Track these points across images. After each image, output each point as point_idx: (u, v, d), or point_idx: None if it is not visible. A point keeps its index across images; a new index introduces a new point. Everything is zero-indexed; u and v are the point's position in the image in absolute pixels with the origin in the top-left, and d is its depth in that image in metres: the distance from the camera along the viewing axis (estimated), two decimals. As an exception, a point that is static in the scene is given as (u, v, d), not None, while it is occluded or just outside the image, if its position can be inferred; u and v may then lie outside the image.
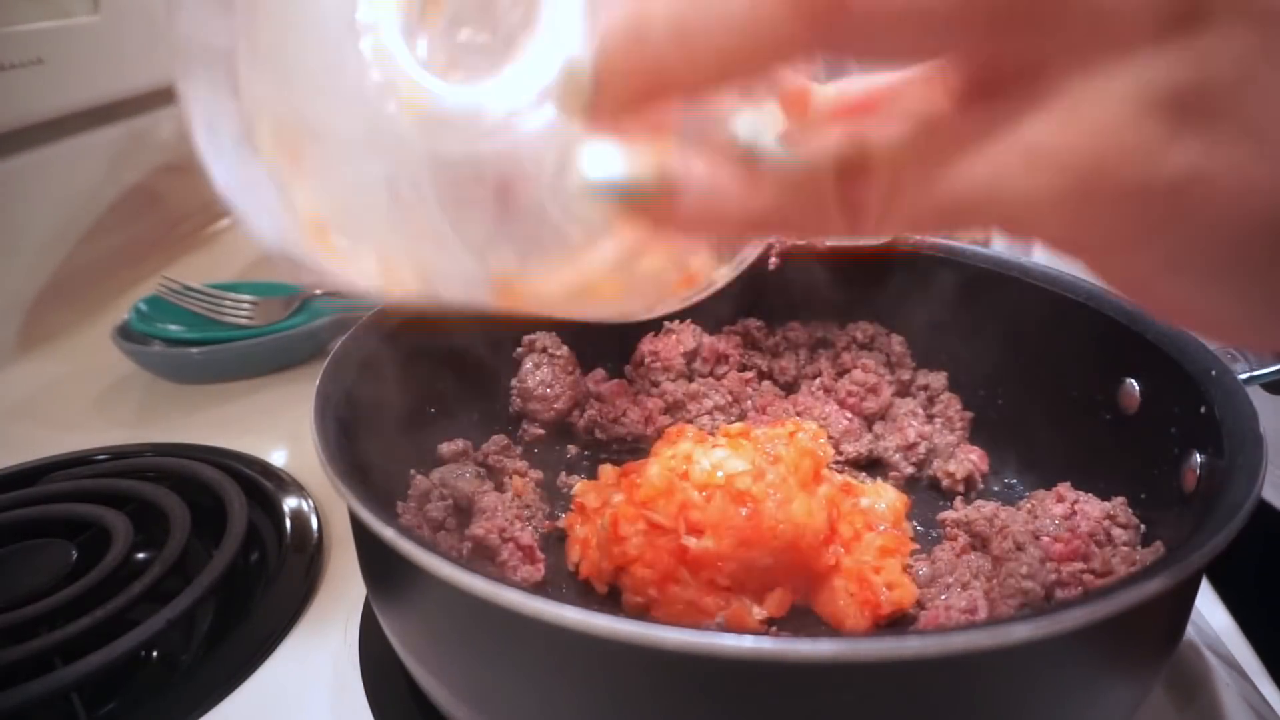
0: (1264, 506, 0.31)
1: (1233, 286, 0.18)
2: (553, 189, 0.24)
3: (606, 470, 0.48)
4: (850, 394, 0.53)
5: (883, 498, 0.46)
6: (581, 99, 0.19)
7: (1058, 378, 0.48)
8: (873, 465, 0.52)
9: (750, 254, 0.30)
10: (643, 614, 0.40)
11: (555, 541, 0.46)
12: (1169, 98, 0.16)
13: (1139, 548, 0.40)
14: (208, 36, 0.24)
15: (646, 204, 0.20)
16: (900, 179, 0.19)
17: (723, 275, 0.30)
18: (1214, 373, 0.38)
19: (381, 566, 0.35)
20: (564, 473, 0.51)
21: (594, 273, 0.24)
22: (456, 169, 0.25)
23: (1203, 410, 0.37)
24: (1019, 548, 0.39)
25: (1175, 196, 0.16)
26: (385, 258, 0.25)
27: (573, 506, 0.46)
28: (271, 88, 0.25)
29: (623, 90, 0.19)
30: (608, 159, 0.20)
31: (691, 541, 0.40)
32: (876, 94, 0.20)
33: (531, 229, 0.25)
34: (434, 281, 0.25)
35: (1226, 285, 0.18)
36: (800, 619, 0.41)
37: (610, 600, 0.42)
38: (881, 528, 0.44)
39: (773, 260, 0.53)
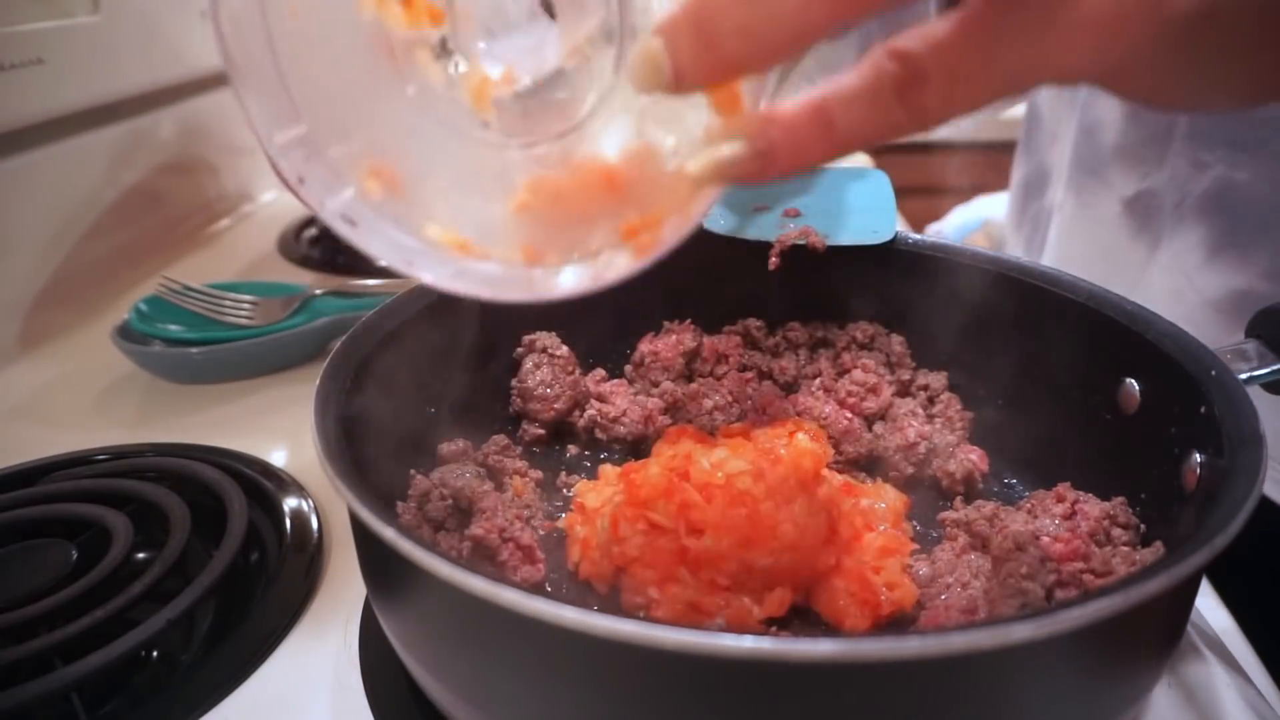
0: (1265, 503, 0.31)
1: (1231, 74, 0.23)
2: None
3: (606, 470, 0.48)
4: (850, 394, 0.53)
5: (883, 498, 0.46)
6: (659, 82, 0.22)
7: (1058, 378, 0.48)
8: (873, 465, 0.52)
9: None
10: (643, 614, 0.40)
11: (555, 541, 0.46)
12: None
13: (1139, 548, 0.40)
14: (285, 129, 0.27)
15: (748, 173, 0.24)
16: (954, 75, 0.22)
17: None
18: (1214, 373, 0.38)
19: (381, 566, 0.35)
20: (564, 473, 0.51)
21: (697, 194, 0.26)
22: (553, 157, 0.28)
23: (1203, 410, 0.37)
24: (1019, 548, 0.39)
25: (1190, 21, 0.21)
26: (527, 247, 0.28)
27: (573, 506, 0.46)
28: (356, 144, 0.28)
29: (696, 76, 0.23)
30: (704, 153, 0.24)
31: (692, 542, 0.40)
32: None
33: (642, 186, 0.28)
34: (574, 251, 0.28)
35: (1225, 76, 0.23)
36: (800, 619, 0.41)
37: (610, 600, 0.42)
38: (881, 528, 0.44)
39: (773, 260, 0.53)
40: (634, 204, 0.27)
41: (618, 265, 0.27)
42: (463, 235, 0.28)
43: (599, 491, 0.45)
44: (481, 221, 0.29)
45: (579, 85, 0.28)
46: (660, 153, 0.27)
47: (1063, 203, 0.75)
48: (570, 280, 0.28)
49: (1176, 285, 0.64)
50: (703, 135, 0.25)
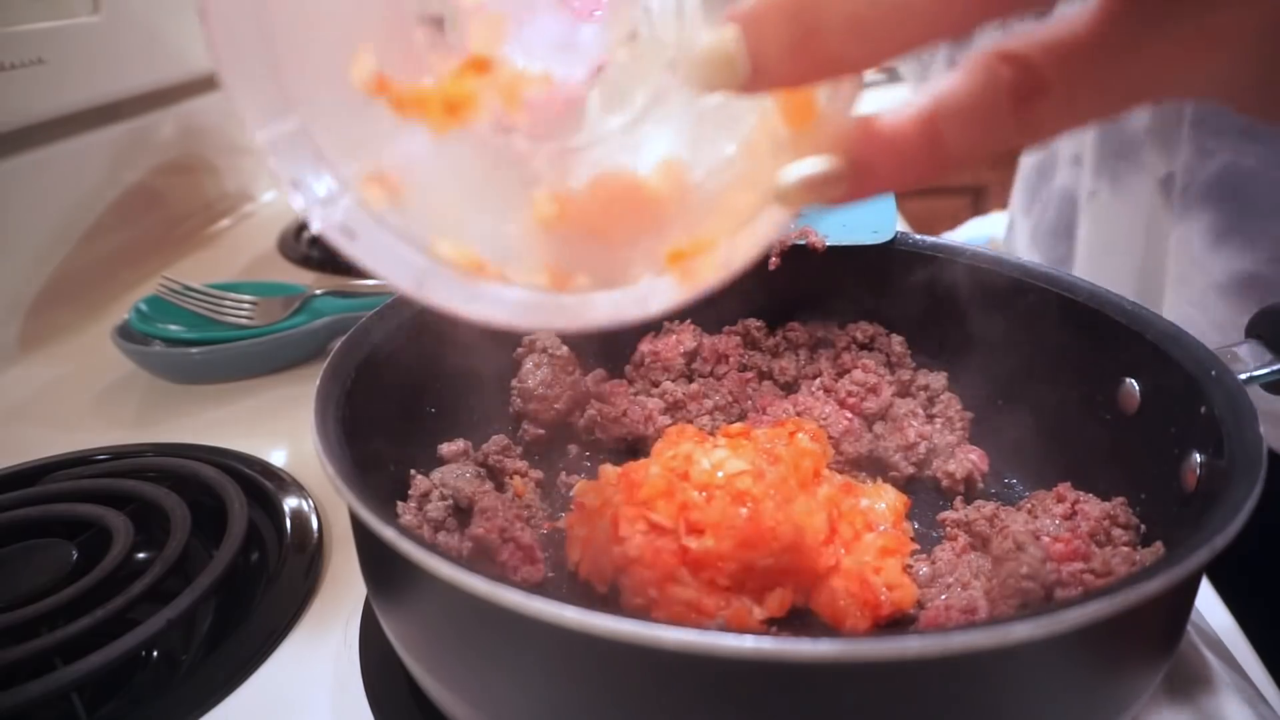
0: (1265, 501, 0.31)
1: None
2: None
3: (607, 470, 0.48)
4: (850, 394, 0.53)
5: (883, 498, 0.46)
6: (729, 80, 0.20)
7: (1058, 378, 0.48)
8: (873, 465, 0.52)
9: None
10: (643, 615, 0.40)
11: (555, 541, 0.46)
12: None
13: (1139, 548, 0.40)
14: (279, 127, 0.24)
15: (840, 194, 0.21)
16: (1077, 86, 0.19)
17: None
18: (1214, 373, 0.38)
19: (381, 566, 0.35)
20: (564, 473, 0.51)
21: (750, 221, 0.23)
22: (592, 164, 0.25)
23: (1203, 410, 0.37)
24: (1019, 548, 0.39)
25: None
26: (553, 269, 0.25)
27: (573, 506, 0.46)
28: (357, 144, 0.25)
29: (780, 74, 0.20)
30: (794, 169, 0.21)
31: (692, 542, 0.40)
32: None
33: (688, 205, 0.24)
34: (608, 275, 0.25)
35: None
36: (800, 619, 0.41)
37: (610, 600, 0.42)
38: (881, 528, 0.44)
39: (773, 260, 0.53)
40: (679, 223, 0.24)
41: (662, 295, 0.24)
42: (478, 254, 0.25)
43: (599, 491, 0.45)
44: (499, 239, 0.26)
45: (623, 85, 0.25)
46: (711, 166, 0.24)
47: (1095, 189, 0.75)
48: (608, 308, 0.25)
49: (1182, 269, 0.64)
50: (767, 148, 0.22)
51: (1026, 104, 0.20)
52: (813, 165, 0.21)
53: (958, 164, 0.21)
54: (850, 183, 0.21)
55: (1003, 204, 1.09)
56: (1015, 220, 0.91)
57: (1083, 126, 0.21)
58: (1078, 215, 0.78)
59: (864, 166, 0.21)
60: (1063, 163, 0.81)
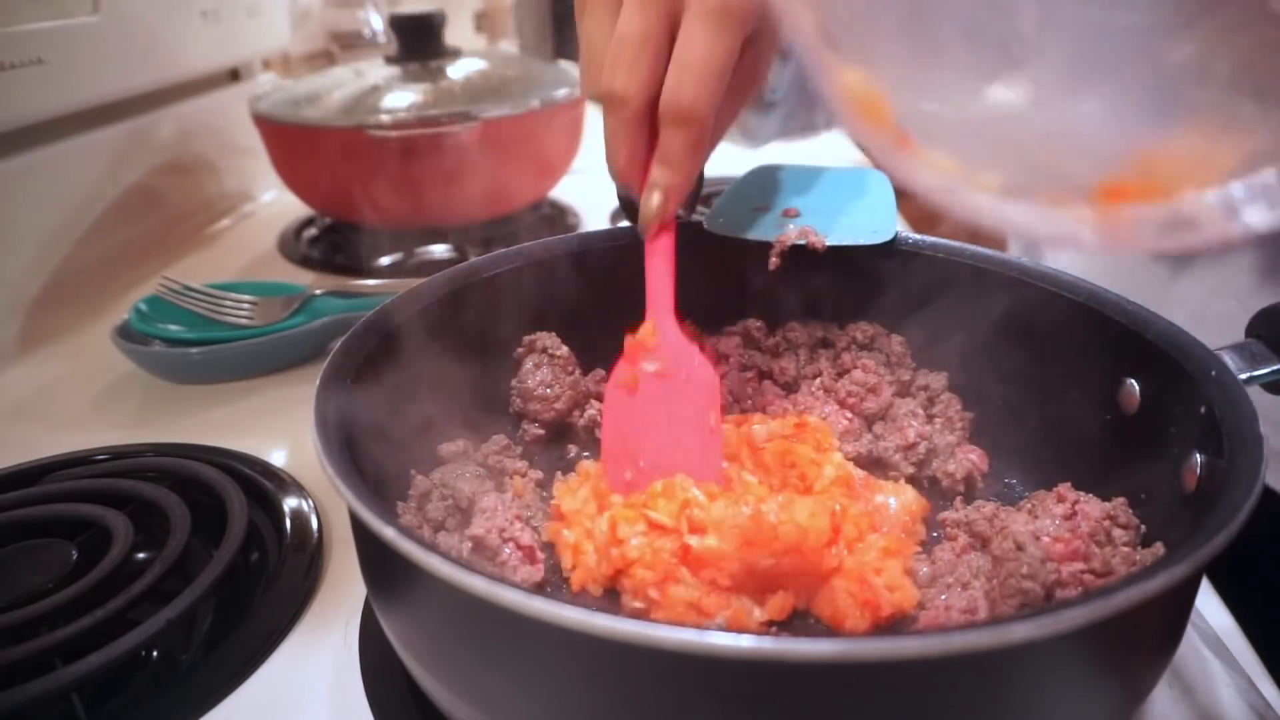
0: (1265, 501, 0.31)
1: None
2: None
3: (584, 467, 0.47)
4: (850, 394, 0.53)
5: (900, 496, 0.46)
6: None
7: (1058, 378, 0.48)
8: (873, 465, 0.52)
9: None
10: (643, 615, 0.40)
11: (555, 541, 0.46)
12: None
13: (1139, 548, 0.40)
14: None
15: None
16: None
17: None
18: (1214, 373, 0.38)
19: (381, 566, 0.35)
20: (564, 473, 0.51)
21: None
22: None
23: (1203, 410, 0.37)
24: (1019, 548, 0.39)
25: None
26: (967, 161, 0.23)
27: (550, 514, 0.46)
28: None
29: None
30: None
31: (694, 540, 0.40)
32: None
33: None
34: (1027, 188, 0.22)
35: None
36: (800, 620, 0.41)
37: (609, 601, 0.42)
38: (885, 529, 0.44)
39: (773, 260, 0.53)
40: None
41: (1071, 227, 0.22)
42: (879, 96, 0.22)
43: (574, 493, 0.45)
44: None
45: None
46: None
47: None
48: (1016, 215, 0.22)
49: (1228, 309, 0.64)
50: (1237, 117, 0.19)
51: None
52: None
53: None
54: None
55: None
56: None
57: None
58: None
59: None
60: None
